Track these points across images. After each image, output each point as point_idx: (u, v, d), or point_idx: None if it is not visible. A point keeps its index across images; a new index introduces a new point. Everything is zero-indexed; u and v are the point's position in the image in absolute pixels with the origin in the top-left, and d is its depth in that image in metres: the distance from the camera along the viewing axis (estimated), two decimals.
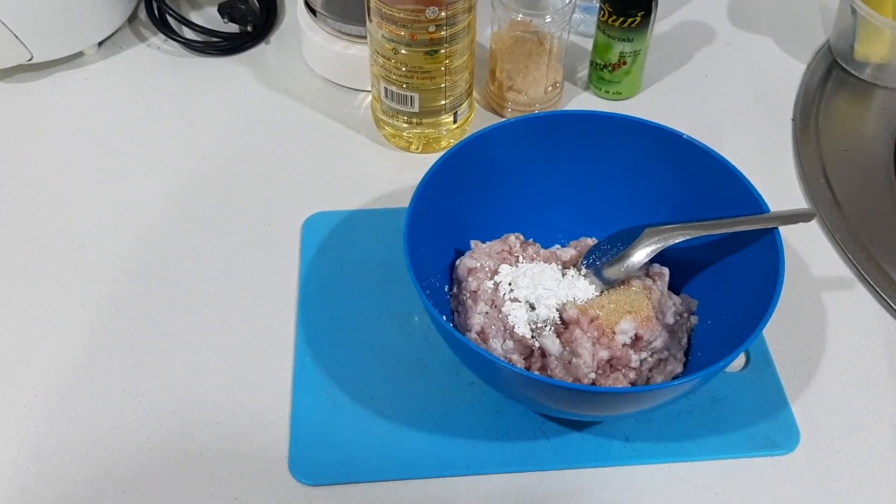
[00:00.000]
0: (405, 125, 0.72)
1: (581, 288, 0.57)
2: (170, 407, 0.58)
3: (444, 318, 0.54)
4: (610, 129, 0.60)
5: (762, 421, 0.57)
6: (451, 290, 0.60)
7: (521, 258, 0.59)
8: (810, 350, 0.62)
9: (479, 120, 0.76)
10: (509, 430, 0.57)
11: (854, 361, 0.61)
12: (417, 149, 0.74)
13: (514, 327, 0.55)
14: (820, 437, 0.57)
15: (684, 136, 0.59)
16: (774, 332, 0.61)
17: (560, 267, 0.59)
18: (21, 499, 0.54)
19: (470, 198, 0.61)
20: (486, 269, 0.58)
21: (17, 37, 0.75)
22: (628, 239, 0.57)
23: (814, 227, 0.69)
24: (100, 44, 0.83)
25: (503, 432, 0.57)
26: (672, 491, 0.55)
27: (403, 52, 0.66)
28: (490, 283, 0.57)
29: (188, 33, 0.84)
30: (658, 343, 0.55)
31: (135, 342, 0.61)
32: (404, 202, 0.69)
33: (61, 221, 0.69)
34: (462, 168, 0.59)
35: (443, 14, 0.63)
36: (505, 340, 0.55)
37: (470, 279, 0.58)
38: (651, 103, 0.79)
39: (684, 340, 0.58)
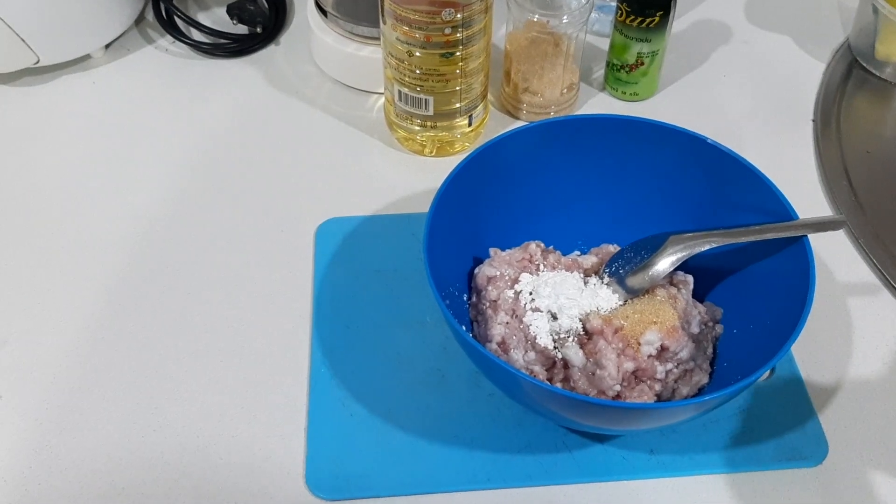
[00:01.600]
0: (419, 128, 0.71)
1: (604, 297, 0.56)
2: (184, 420, 0.57)
3: (464, 328, 0.53)
4: (632, 133, 0.59)
5: (789, 432, 0.56)
6: (469, 299, 0.59)
7: (541, 266, 0.58)
8: (837, 358, 0.60)
9: (493, 123, 0.75)
10: (531, 442, 0.56)
11: (882, 369, 0.60)
12: (431, 152, 0.73)
13: (535, 338, 0.54)
14: (849, 448, 0.56)
15: (708, 141, 0.58)
16: (799, 340, 0.59)
17: (582, 275, 0.58)
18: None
19: (488, 204, 0.59)
20: (507, 277, 0.57)
21: (23, 40, 0.74)
22: (652, 247, 0.56)
23: (837, 230, 0.67)
24: (107, 46, 0.82)
25: (524, 445, 0.55)
26: None
27: (418, 54, 0.65)
28: (510, 293, 0.56)
29: (196, 35, 0.82)
30: (684, 354, 0.54)
31: (146, 353, 0.60)
32: (418, 207, 0.68)
33: (69, 226, 0.68)
34: (480, 174, 0.58)
35: (459, 16, 0.62)
36: (526, 352, 0.54)
37: (490, 288, 0.57)
38: (668, 104, 0.78)
39: (710, 350, 0.56)
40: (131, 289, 0.64)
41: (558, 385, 0.54)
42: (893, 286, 0.64)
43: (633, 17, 0.71)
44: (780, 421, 0.57)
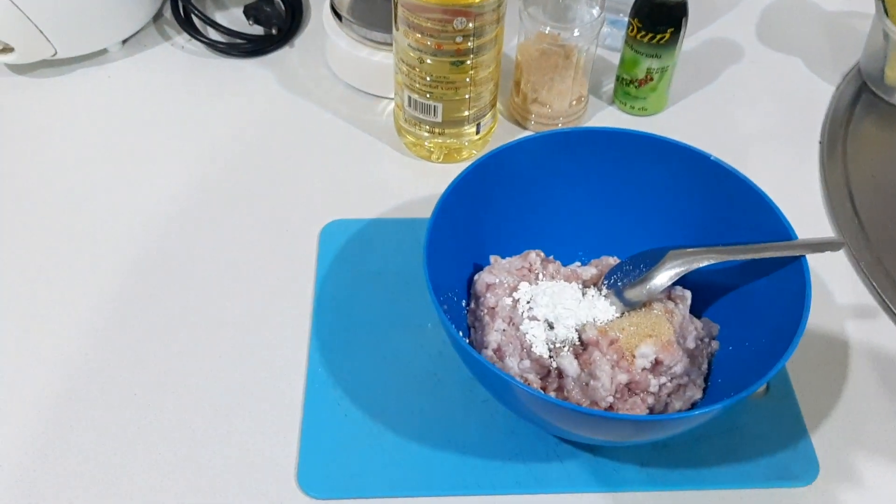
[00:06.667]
0: (427, 134, 0.71)
1: (601, 308, 0.56)
2: (179, 415, 0.57)
3: (461, 333, 0.53)
4: (636, 147, 0.59)
5: (780, 451, 0.56)
6: (468, 305, 0.59)
7: (541, 275, 0.58)
8: (832, 379, 0.60)
9: (501, 132, 0.76)
10: (522, 450, 0.56)
11: (877, 392, 0.60)
12: (438, 158, 0.73)
13: (531, 346, 0.55)
14: (840, 469, 0.56)
15: (711, 158, 0.58)
16: (795, 360, 0.60)
17: (580, 286, 0.58)
18: (27, 500, 0.53)
19: (491, 212, 0.60)
20: (506, 285, 0.57)
21: (41, 32, 0.75)
22: (651, 260, 0.56)
23: (838, 253, 0.68)
24: (124, 41, 0.83)
25: (516, 452, 0.56)
26: None
27: (429, 61, 0.65)
28: (508, 300, 0.57)
29: (212, 34, 0.83)
30: (678, 368, 0.54)
31: (145, 348, 0.61)
32: (423, 212, 0.68)
33: (76, 219, 0.69)
34: (484, 182, 0.59)
35: (470, 25, 0.63)
36: (522, 359, 0.54)
37: (488, 295, 0.57)
38: (676, 121, 0.78)
39: (704, 366, 0.57)
40: (131, 282, 0.65)
41: (552, 394, 0.54)
42: (893, 310, 0.64)
43: (643, 32, 0.72)
44: (773, 439, 0.57)
